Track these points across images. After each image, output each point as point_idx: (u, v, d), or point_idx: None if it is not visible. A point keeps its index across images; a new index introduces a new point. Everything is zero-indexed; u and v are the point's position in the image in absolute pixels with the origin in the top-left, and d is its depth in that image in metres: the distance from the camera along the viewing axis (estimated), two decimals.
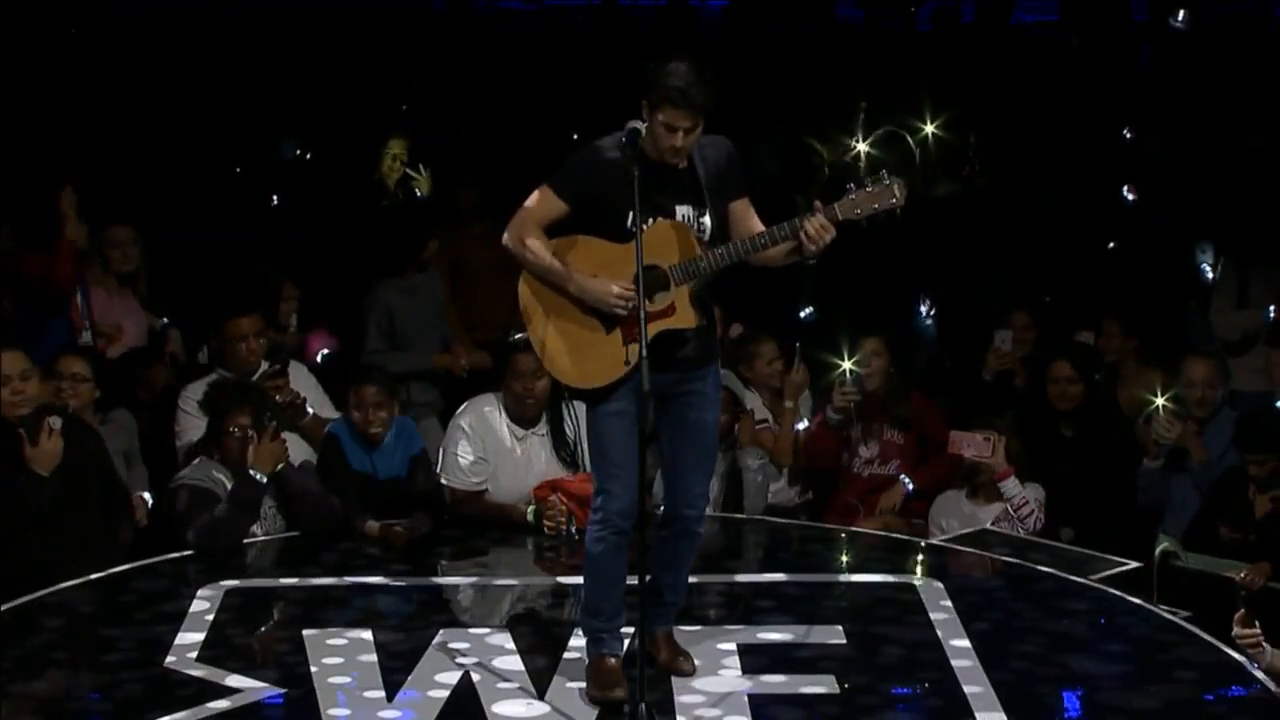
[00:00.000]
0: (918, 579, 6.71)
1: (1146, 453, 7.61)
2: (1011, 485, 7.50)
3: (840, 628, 6.15)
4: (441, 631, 6.11)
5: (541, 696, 5.55)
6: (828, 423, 7.95)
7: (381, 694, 5.59)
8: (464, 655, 5.89)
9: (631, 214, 5.27)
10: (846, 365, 7.85)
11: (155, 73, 11.31)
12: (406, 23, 12.24)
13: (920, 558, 7.09)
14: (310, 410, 7.72)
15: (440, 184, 10.52)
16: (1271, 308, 8.68)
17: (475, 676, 5.70)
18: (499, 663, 5.83)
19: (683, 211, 5.35)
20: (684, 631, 5.88)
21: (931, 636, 6.08)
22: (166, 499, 7.19)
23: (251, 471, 7.02)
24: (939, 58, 12.00)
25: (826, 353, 7.95)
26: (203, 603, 6.40)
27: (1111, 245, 9.89)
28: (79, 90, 11.14)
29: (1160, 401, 7.48)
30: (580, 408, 6.84)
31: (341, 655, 5.89)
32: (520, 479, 7.41)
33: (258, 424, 7.07)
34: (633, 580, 5.29)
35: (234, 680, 5.65)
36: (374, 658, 5.87)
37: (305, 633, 6.10)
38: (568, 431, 7.40)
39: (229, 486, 7.05)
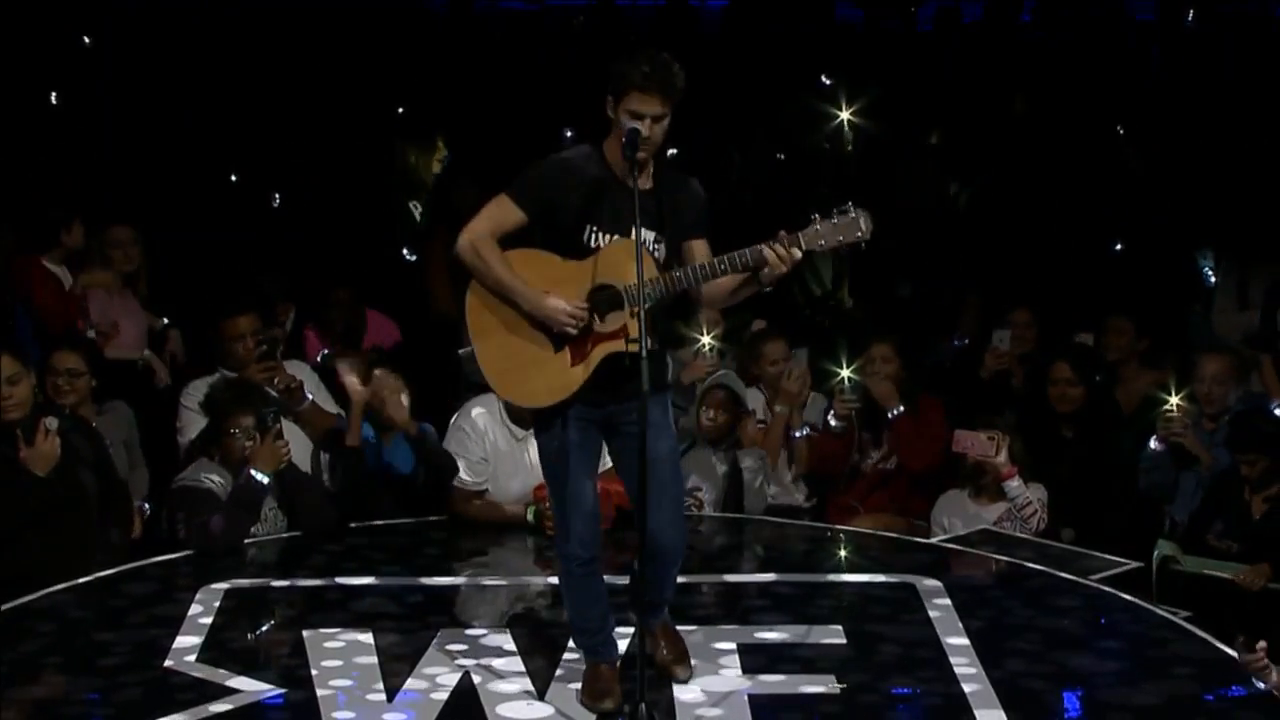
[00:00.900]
0: (917, 579, 6.71)
1: (1156, 436, 7.55)
2: (1015, 485, 7.50)
3: (840, 627, 6.15)
4: (441, 631, 6.11)
5: (541, 697, 5.56)
6: (831, 431, 7.95)
7: (382, 694, 5.59)
8: (464, 655, 5.89)
9: (590, 228, 5.20)
10: (845, 374, 7.85)
11: (155, 73, 11.31)
12: (406, 23, 12.25)
13: (920, 557, 7.08)
14: (309, 396, 7.74)
15: (441, 184, 10.55)
16: None
17: (475, 677, 5.70)
18: (499, 663, 5.83)
19: (644, 235, 5.19)
20: (684, 632, 5.87)
21: (931, 636, 6.09)
22: (167, 499, 7.20)
23: (253, 472, 7.02)
24: (939, 58, 12.01)
25: (828, 360, 7.96)
26: (202, 603, 6.39)
27: (1119, 247, 9.89)
28: (79, 90, 11.15)
29: (1175, 400, 7.46)
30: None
31: (341, 656, 5.89)
32: (520, 479, 7.41)
33: (260, 424, 7.07)
34: (623, 579, 5.29)
35: (234, 681, 5.65)
36: (374, 658, 5.87)
37: (305, 633, 6.09)
38: None
39: (229, 487, 7.05)
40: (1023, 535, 7.41)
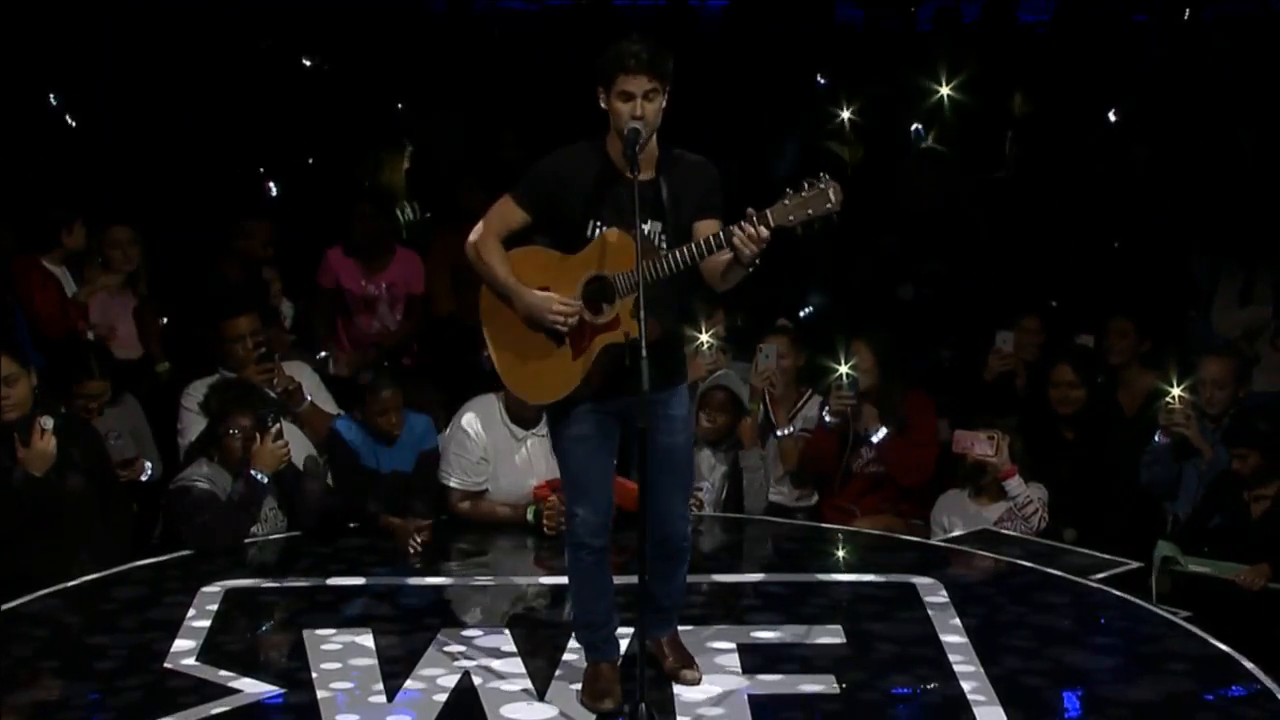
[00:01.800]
0: (917, 578, 6.71)
1: (1159, 431, 7.54)
2: (1016, 484, 7.50)
3: (840, 627, 6.15)
4: (441, 632, 6.11)
5: (541, 697, 5.56)
6: (825, 426, 7.94)
7: (382, 694, 5.59)
8: (464, 655, 5.89)
9: (593, 223, 5.22)
10: (843, 370, 7.84)
11: (154, 73, 11.31)
12: (406, 23, 12.25)
13: (920, 557, 7.08)
14: (308, 397, 7.73)
15: (442, 185, 10.54)
16: None
17: (475, 677, 5.70)
18: (499, 663, 5.83)
19: (645, 227, 5.18)
20: (683, 631, 5.88)
21: (931, 635, 6.09)
22: (165, 500, 7.19)
23: (253, 472, 7.02)
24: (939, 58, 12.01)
25: (823, 356, 7.94)
26: (202, 603, 6.39)
27: (1116, 245, 9.88)
28: (79, 90, 11.15)
29: (1177, 392, 7.45)
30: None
31: (341, 656, 5.89)
32: (520, 479, 7.41)
33: (260, 425, 7.07)
34: (631, 579, 5.30)
35: (234, 681, 5.65)
36: (374, 658, 5.87)
37: (305, 633, 6.10)
38: None
39: (227, 487, 7.04)
40: (1023, 535, 7.41)
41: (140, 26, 11.69)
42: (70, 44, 11.40)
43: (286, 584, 6.70)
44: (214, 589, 6.53)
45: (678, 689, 5.56)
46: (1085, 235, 9.81)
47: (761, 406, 8.06)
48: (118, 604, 6.42)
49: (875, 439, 7.86)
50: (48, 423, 6.63)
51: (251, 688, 5.61)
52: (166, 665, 5.79)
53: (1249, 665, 5.77)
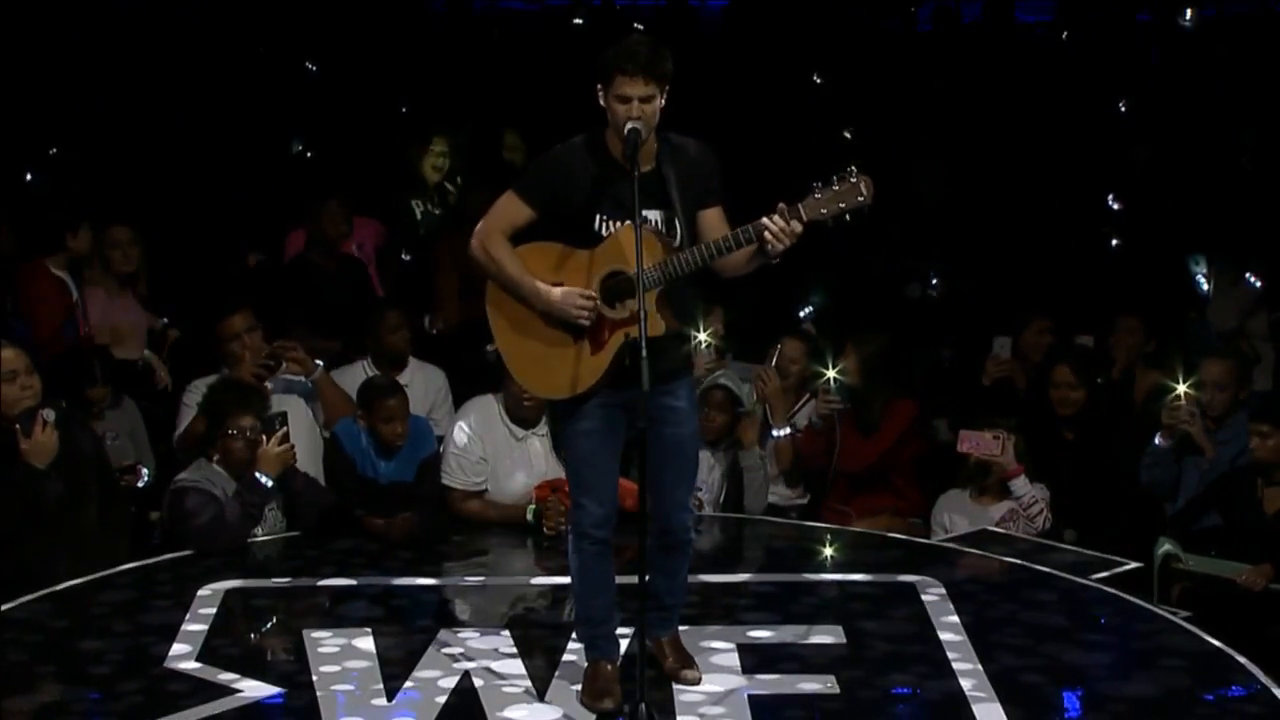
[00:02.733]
0: (917, 578, 6.71)
1: (1161, 432, 7.53)
2: (1021, 484, 7.50)
3: (840, 627, 6.15)
4: (441, 631, 6.11)
5: (541, 697, 5.55)
6: (813, 427, 7.95)
7: (382, 694, 5.58)
8: (464, 656, 5.88)
9: (599, 217, 5.23)
10: (830, 374, 7.85)
11: (155, 73, 11.32)
12: (406, 23, 12.25)
13: (919, 557, 7.08)
14: (319, 364, 7.78)
15: (442, 188, 10.54)
16: None
17: (475, 677, 5.70)
18: (499, 663, 5.82)
19: (650, 216, 5.22)
20: (682, 631, 5.88)
21: (930, 635, 6.09)
22: (166, 500, 7.19)
23: (257, 474, 7.01)
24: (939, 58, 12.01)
25: (813, 359, 7.95)
26: (202, 603, 6.39)
27: (1115, 242, 9.88)
28: (79, 91, 11.15)
29: (1182, 389, 7.45)
30: None
31: (342, 656, 5.89)
32: (520, 479, 7.41)
33: (266, 426, 7.06)
34: (632, 579, 5.30)
35: (234, 681, 5.65)
36: (374, 658, 5.86)
37: (305, 633, 6.10)
38: None
39: (228, 488, 7.03)
40: (1024, 535, 7.41)
41: (140, 26, 11.70)
42: (69, 44, 11.40)
43: (286, 585, 6.70)
44: (213, 590, 6.53)
45: (678, 690, 5.56)
46: (1085, 235, 9.81)
47: (763, 407, 8.06)
48: (116, 606, 6.41)
49: (776, 434, 7.89)
50: (49, 415, 6.61)
51: (252, 689, 5.61)
52: (166, 666, 5.79)
53: (1248, 664, 5.77)
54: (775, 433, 7.99)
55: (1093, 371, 8.12)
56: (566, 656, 5.81)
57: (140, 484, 7.39)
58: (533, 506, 7.33)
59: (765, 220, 5.12)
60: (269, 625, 6.42)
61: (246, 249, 9.72)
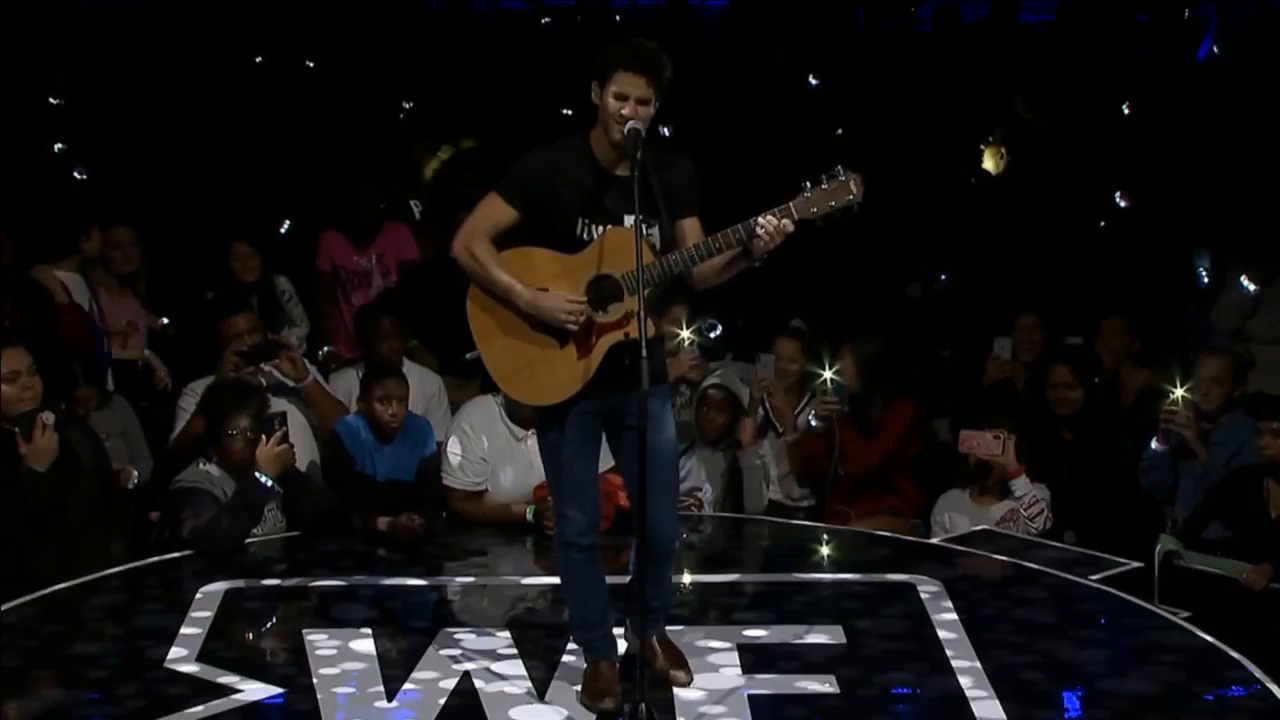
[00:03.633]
0: (917, 578, 6.71)
1: (1157, 436, 7.53)
2: (1023, 484, 7.50)
3: (840, 627, 6.15)
4: (441, 631, 6.12)
5: (541, 697, 5.56)
6: (811, 430, 7.96)
7: (382, 695, 5.59)
8: (464, 655, 5.89)
9: (581, 221, 5.19)
10: (827, 375, 7.85)
11: (154, 72, 11.33)
12: (406, 23, 12.26)
13: (919, 557, 7.08)
14: (310, 371, 7.82)
15: (439, 187, 10.56)
16: None
17: (475, 677, 5.70)
18: (498, 664, 5.82)
19: (631, 220, 5.17)
20: (683, 631, 5.88)
21: (931, 635, 6.09)
22: (165, 500, 7.19)
23: (257, 474, 7.01)
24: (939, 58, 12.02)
25: (810, 362, 7.95)
26: (202, 603, 6.39)
27: (1103, 226, 9.88)
28: (78, 91, 11.16)
29: (1179, 392, 7.45)
30: None
31: (342, 656, 5.89)
32: (520, 479, 7.41)
33: (265, 426, 7.06)
34: (623, 579, 5.29)
35: (233, 681, 5.65)
36: (374, 658, 5.87)
37: (305, 633, 6.10)
38: None
39: (227, 488, 7.03)
40: (1025, 536, 7.41)
41: (140, 26, 11.71)
42: (70, 45, 11.42)
43: (286, 585, 6.70)
44: (213, 590, 6.53)
45: (678, 689, 5.55)
46: (1076, 234, 9.82)
47: (761, 408, 8.07)
48: (115, 607, 6.41)
49: (780, 434, 7.91)
50: (49, 417, 6.60)
51: (252, 689, 5.60)
52: (165, 667, 5.78)
53: (1246, 662, 5.78)
54: (784, 436, 7.98)
55: (1090, 371, 8.12)
56: (566, 657, 5.81)
57: (129, 486, 7.39)
58: (532, 506, 7.33)
59: (757, 219, 5.08)
60: (269, 626, 6.42)
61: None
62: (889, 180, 10.26)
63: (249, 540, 7.08)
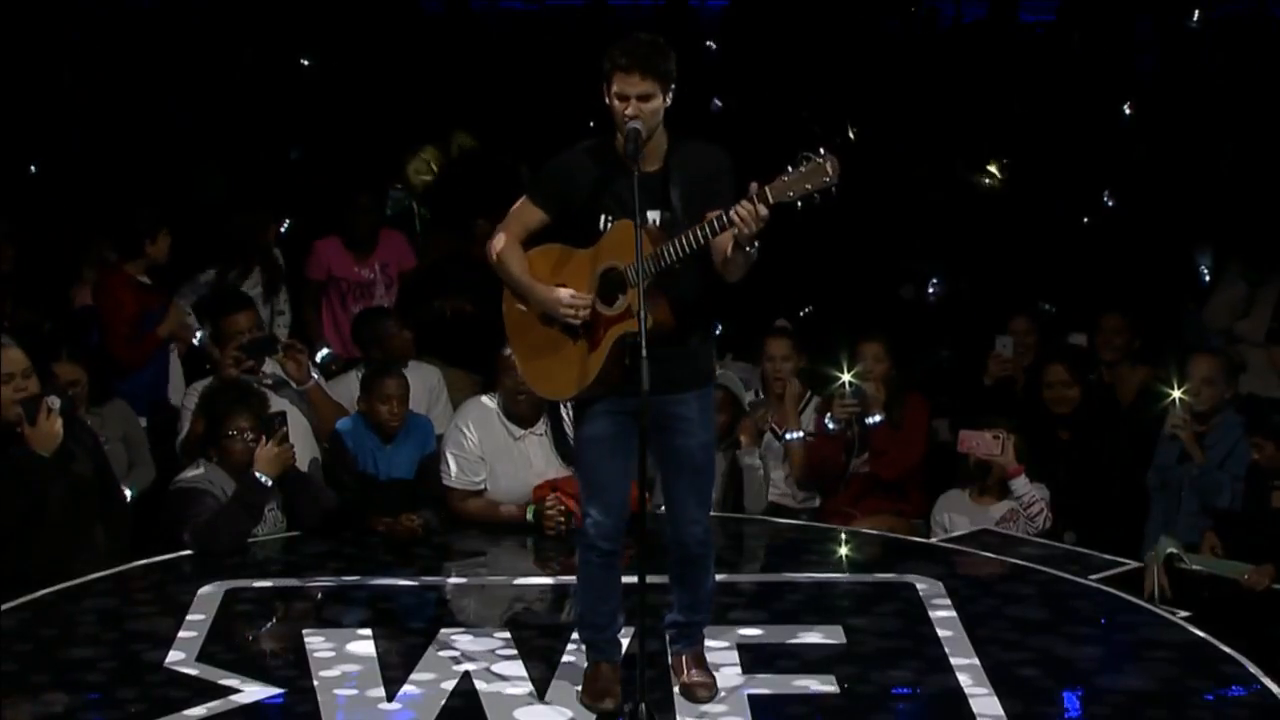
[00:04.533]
0: (916, 577, 6.71)
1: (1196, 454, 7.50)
2: (1023, 484, 7.50)
3: (840, 627, 6.15)
4: (441, 631, 6.12)
5: (541, 697, 5.56)
6: (828, 432, 7.94)
7: (382, 694, 5.59)
8: (464, 656, 5.89)
9: (603, 217, 5.23)
10: (846, 378, 7.85)
11: (154, 73, 11.33)
12: (405, 23, 12.25)
13: (919, 557, 7.08)
14: (314, 376, 7.81)
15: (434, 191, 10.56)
16: None
17: (475, 678, 5.70)
18: (498, 664, 5.83)
19: (650, 216, 5.20)
20: None
21: (931, 635, 6.10)
22: (166, 501, 7.18)
23: (257, 474, 7.01)
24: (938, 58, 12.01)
25: (827, 364, 7.94)
26: (202, 603, 6.39)
27: (1100, 224, 9.87)
28: (78, 92, 11.16)
29: (1177, 394, 7.45)
30: None
31: (342, 656, 5.89)
32: (520, 479, 7.41)
33: (265, 427, 7.06)
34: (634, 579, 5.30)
35: (233, 681, 5.65)
36: (374, 658, 5.87)
37: (305, 633, 6.10)
38: (567, 431, 7.37)
39: (227, 488, 7.03)
40: (1024, 535, 7.41)
41: (139, 26, 11.71)
42: (70, 46, 11.42)
43: (286, 584, 6.70)
44: (213, 590, 6.53)
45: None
46: (1076, 233, 9.82)
47: (765, 409, 8.08)
48: (115, 607, 6.41)
49: (870, 420, 7.87)
50: (55, 402, 6.53)
51: (252, 690, 5.61)
52: (165, 668, 5.78)
53: (1244, 660, 5.79)
54: (789, 435, 7.97)
55: (1086, 370, 8.12)
56: (566, 657, 5.82)
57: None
58: (532, 506, 7.33)
59: (734, 208, 5.04)
60: (269, 626, 6.42)
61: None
62: (889, 181, 10.29)
63: (249, 540, 7.08)
